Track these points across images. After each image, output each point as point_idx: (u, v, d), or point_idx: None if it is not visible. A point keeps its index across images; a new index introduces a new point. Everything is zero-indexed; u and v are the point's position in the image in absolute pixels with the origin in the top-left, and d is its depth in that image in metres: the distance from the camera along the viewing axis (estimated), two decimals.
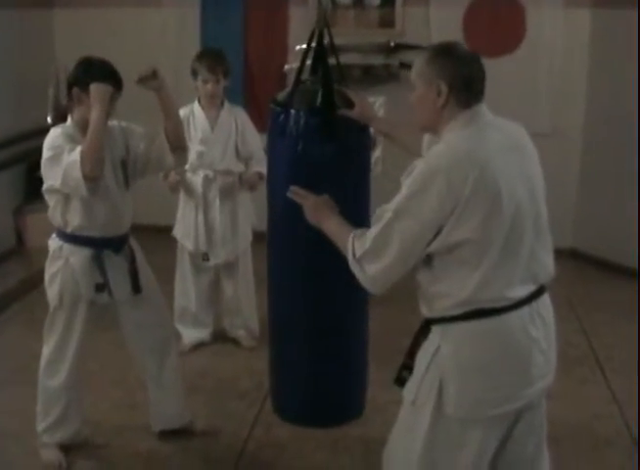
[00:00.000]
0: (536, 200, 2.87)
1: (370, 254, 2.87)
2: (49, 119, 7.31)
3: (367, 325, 4.40)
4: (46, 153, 3.76)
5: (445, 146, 2.82)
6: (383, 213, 2.85)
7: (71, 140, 3.76)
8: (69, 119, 3.90)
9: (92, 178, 3.63)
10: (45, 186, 3.84)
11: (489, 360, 2.84)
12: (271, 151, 4.07)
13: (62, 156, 3.69)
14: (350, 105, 3.81)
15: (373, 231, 2.87)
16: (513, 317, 2.82)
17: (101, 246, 3.95)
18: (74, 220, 3.88)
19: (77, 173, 3.61)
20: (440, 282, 2.83)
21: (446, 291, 2.82)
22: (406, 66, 6.93)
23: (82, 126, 3.78)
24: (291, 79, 6.78)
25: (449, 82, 2.80)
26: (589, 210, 7.06)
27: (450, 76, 2.80)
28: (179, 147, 3.99)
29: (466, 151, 2.75)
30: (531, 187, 2.85)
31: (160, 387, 4.28)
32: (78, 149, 3.63)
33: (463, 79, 2.82)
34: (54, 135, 3.80)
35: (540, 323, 2.89)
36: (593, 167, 6.99)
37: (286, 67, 7.14)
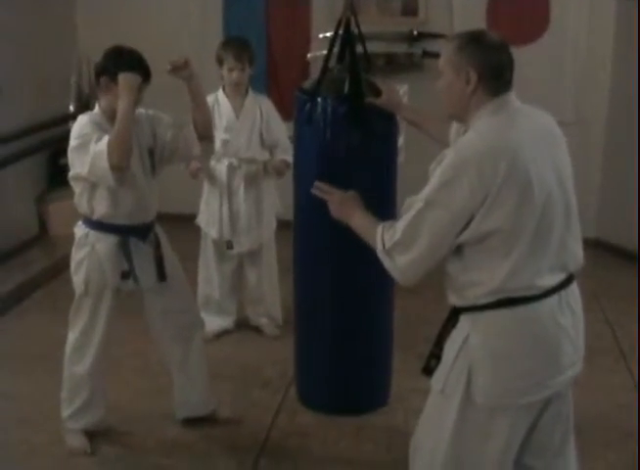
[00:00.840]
0: (566, 188, 2.85)
1: (400, 244, 2.85)
2: (71, 108, 7.34)
3: (392, 313, 4.39)
4: (73, 141, 3.77)
5: (475, 135, 2.80)
6: (412, 204, 2.83)
7: (99, 128, 3.76)
8: (97, 107, 3.91)
9: (119, 168, 3.63)
10: (71, 174, 3.85)
11: (519, 349, 2.83)
12: (298, 139, 4.07)
13: (89, 144, 3.68)
14: (378, 93, 3.79)
15: (403, 222, 2.85)
16: (543, 306, 2.81)
17: (127, 233, 3.95)
18: (101, 208, 3.89)
19: (104, 163, 3.60)
20: (471, 271, 2.82)
21: (476, 280, 2.81)
22: (429, 54, 6.92)
23: (110, 115, 3.78)
24: (314, 68, 6.82)
25: (478, 70, 2.78)
26: (612, 199, 7.02)
27: (480, 64, 2.79)
28: (207, 136, 3.99)
29: (496, 139, 2.74)
30: (561, 176, 2.84)
31: (184, 374, 4.29)
32: (106, 138, 3.63)
33: (492, 68, 2.80)
34: (81, 123, 3.80)
35: (569, 312, 2.89)
36: (616, 157, 6.96)
37: (309, 55, 7.12)
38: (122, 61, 3.75)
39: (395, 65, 6.99)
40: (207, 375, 4.37)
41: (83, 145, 3.71)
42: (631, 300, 6.06)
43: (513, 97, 2.87)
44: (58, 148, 7.22)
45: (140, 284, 4.04)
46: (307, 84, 4.05)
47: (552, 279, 2.83)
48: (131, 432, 4.35)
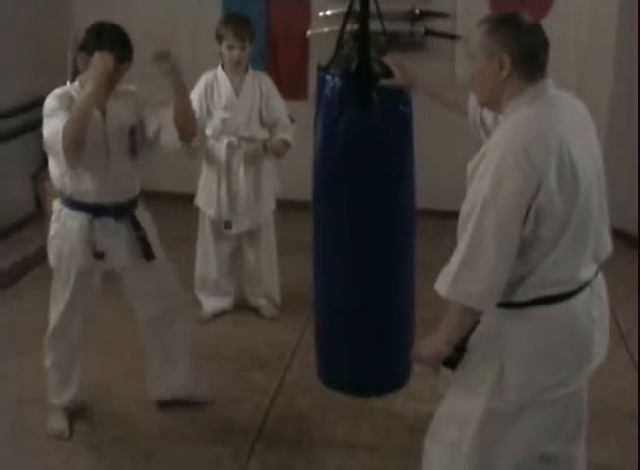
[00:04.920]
0: (601, 177, 2.80)
1: (467, 263, 2.66)
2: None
3: (413, 293, 4.22)
4: (44, 113, 3.70)
5: (517, 123, 2.69)
6: (470, 212, 2.67)
7: (71, 102, 3.68)
8: (77, 82, 3.81)
9: (71, 150, 3.55)
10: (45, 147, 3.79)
11: (555, 346, 2.78)
12: (315, 117, 3.96)
13: (51, 119, 3.62)
14: (389, 72, 3.69)
15: (462, 242, 2.69)
16: (578, 301, 2.76)
17: (98, 212, 3.88)
18: (70, 184, 3.83)
19: (58, 145, 3.54)
20: (515, 264, 2.69)
21: (516, 274, 2.70)
22: (431, 33, 6.84)
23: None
24: (314, 46, 6.76)
25: (512, 54, 2.67)
26: (614, 181, 6.93)
27: (513, 48, 2.67)
28: (187, 136, 3.89)
29: (541, 126, 2.65)
30: (596, 165, 2.78)
31: (164, 357, 4.26)
32: (64, 118, 3.56)
33: (526, 51, 2.69)
34: (52, 96, 3.73)
35: (598, 302, 2.85)
36: (619, 137, 6.88)
37: (309, 32, 7.04)
38: (102, 38, 3.66)
39: (397, 43, 6.88)
40: (187, 358, 4.32)
41: (48, 120, 3.64)
42: (632, 283, 6.02)
43: (550, 84, 2.76)
44: None
45: (113, 265, 3.99)
46: (325, 61, 3.94)
47: (589, 271, 2.78)
48: (125, 416, 4.32)
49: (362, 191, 3.71)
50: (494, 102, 2.81)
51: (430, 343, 2.88)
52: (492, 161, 2.62)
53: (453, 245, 2.78)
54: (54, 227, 3.95)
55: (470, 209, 2.67)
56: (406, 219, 3.92)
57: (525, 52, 2.69)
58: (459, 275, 2.68)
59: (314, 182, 3.91)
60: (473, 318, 2.80)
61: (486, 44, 2.72)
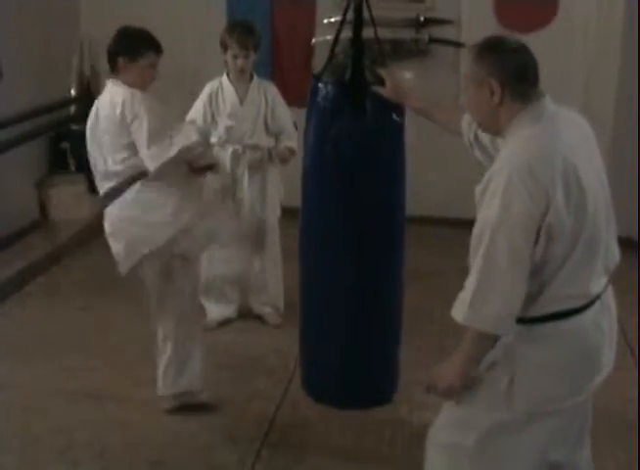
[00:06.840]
0: (606, 189, 2.80)
1: (481, 287, 2.65)
2: (72, 91, 7.26)
3: (402, 305, 4.22)
4: (152, 120, 3.91)
5: (520, 144, 2.69)
6: (478, 245, 2.67)
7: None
8: (120, 85, 3.97)
9: None
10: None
11: (566, 360, 2.77)
12: (306, 124, 3.96)
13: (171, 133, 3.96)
14: (383, 82, 3.69)
15: (475, 267, 2.68)
16: (588, 315, 2.74)
17: None
18: None
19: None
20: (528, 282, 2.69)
21: (530, 291, 2.68)
22: (436, 41, 6.86)
23: (137, 87, 3.96)
24: (318, 53, 6.76)
25: (500, 79, 2.68)
26: (620, 189, 6.92)
27: (499, 72, 2.68)
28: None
29: (545, 145, 2.64)
30: (601, 178, 2.78)
31: (185, 354, 4.30)
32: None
33: (514, 72, 2.69)
34: (144, 100, 3.93)
35: (607, 314, 2.84)
36: (624, 147, 6.88)
37: (313, 40, 7.05)
38: (137, 41, 3.95)
39: (402, 51, 6.91)
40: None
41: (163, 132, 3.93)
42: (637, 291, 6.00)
43: (548, 102, 2.76)
44: (59, 132, 7.17)
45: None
46: (318, 69, 3.95)
47: (599, 284, 2.77)
48: (131, 421, 4.30)
49: (352, 199, 3.71)
50: (493, 127, 2.82)
51: (446, 374, 2.85)
52: (499, 183, 2.62)
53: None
54: None
55: (480, 233, 2.67)
56: (397, 227, 3.92)
57: (512, 73, 2.69)
58: (475, 300, 2.67)
59: (303, 190, 3.90)
60: (490, 344, 2.77)
61: (474, 73, 2.74)
